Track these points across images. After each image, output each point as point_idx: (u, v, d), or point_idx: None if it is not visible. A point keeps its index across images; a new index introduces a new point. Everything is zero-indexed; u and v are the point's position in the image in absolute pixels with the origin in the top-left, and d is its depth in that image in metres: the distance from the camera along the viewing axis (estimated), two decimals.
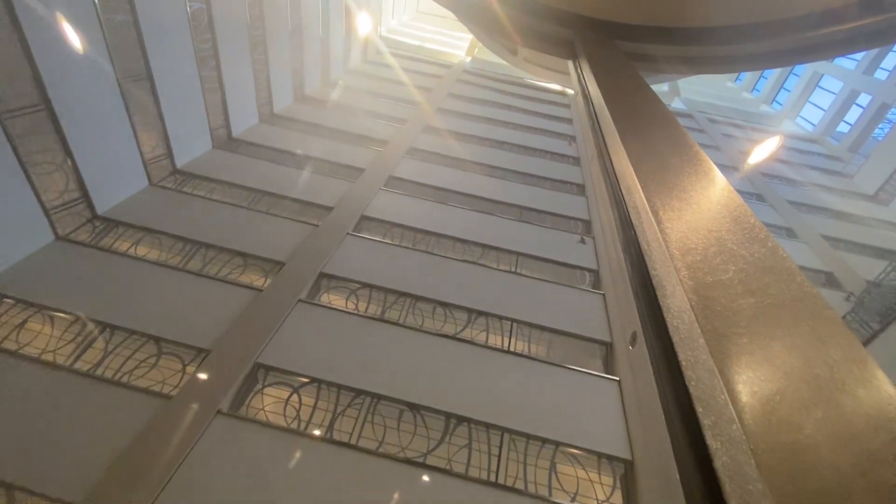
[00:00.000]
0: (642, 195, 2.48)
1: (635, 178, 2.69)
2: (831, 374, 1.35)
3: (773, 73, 27.85)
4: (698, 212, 2.31)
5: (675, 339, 1.70)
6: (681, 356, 1.61)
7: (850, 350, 1.45)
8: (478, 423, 6.08)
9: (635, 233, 2.52)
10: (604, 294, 8.80)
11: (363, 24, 20.09)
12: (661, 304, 1.91)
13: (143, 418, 5.41)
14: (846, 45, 7.09)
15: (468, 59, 24.66)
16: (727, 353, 1.44)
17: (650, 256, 2.17)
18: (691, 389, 1.47)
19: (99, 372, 5.98)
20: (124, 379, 5.92)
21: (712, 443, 1.27)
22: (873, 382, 1.34)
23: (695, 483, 1.36)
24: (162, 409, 5.49)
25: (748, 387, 1.32)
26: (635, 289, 2.41)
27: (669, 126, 3.63)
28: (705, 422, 1.34)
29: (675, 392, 1.64)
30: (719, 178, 2.74)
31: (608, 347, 7.72)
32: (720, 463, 1.21)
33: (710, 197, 2.48)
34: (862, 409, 1.26)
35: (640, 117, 3.88)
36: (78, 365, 6.00)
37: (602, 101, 4.26)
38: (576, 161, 15.00)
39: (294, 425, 5.83)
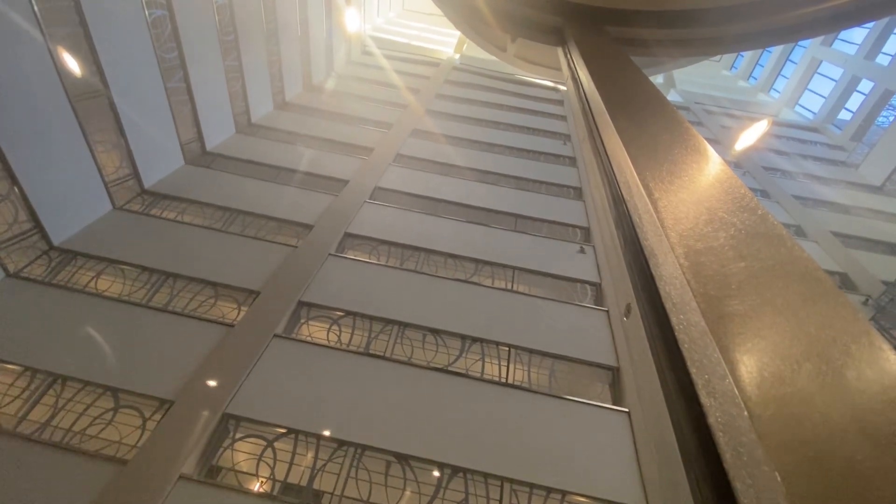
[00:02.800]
0: (633, 170, 2.50)
1: (626, 154, 2.69)
2: (822, 331, 1.36)
3: (770, 61, 27.19)
4: (689, 184, 2.34)
5: (667, 305, 1.73)
6: (673, 321, 1.63)
7: (841, 308, 1.45)
8: (474, 472, 5.46)
9: (627, 207, 2.54)
10: (608, 311, 8.17)
11: (347, 24, 19.30)
12: (653, 272, 1.93)
13: (96, 489, 4.76)
14: (835, 21, 7.04)
15: (457, 56, 23.89)
16: (719, 314, 1.45)
17: (641, 228, 2.19)
18: (685, 352, 1.50)
19: (48, 432, 5.31)
20: (75, 440, 5.25)
21: (706, 400, 1.28)
22: (864, 338, 1.33)
23: (691, 442, 1.36)
24: (116, 477, 4.83)
25: (741, 345, 1.33)
26: (628, 261, 2.43)
27: (659, 104, 3.68)
28: (699, 381, 1.36)
29: (669, 358, 1.65)
30: (709, 151, 2.75)
31: (615, 372, 7.11)
32: (713, 419, 1.22)
33: (701, 170, 2.52)
34: (853, 362, 1.26)
35: (629, 97, 3.93)
36: (23, 426, 5.34)
37: (591, 83, 4.25)
38: (572, 161, 14.34)
39: (268, 487, 5.19)
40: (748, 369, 1.25)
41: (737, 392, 1.18)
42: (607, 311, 8.16)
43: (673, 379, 1.59)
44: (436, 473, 5.44)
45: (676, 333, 1.58)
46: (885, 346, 1.30)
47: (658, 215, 2.04)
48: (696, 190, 2.28)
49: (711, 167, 2.55)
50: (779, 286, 1.56)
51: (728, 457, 1.12)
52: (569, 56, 6.21)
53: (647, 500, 5.39)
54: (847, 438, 1.05)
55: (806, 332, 1.36)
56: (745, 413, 1.12)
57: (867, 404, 1.14)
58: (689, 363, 1.45)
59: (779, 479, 0.97)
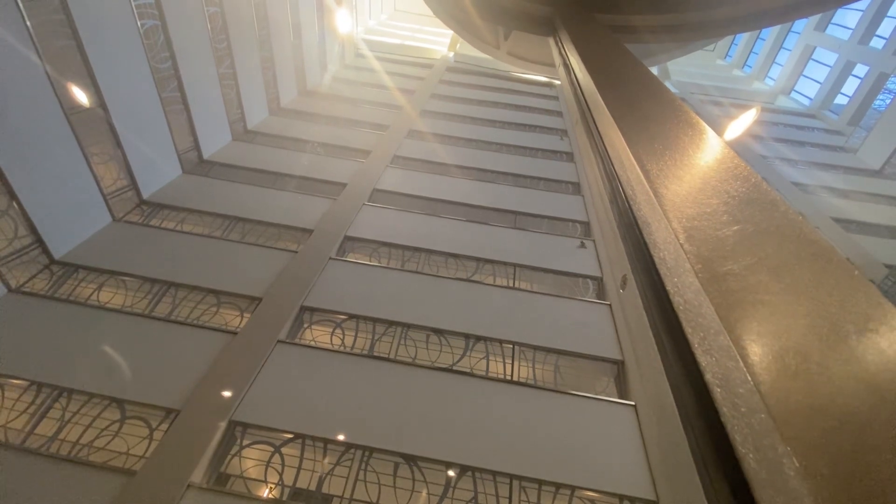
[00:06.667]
0: (626, 146, 2.54)
1: (619, 132, 2.74)
2: (817, 288, 1.37)
3: (764, 49, 27.14)
4: (681, 156, 2.38)
5: (661, 270, 1.76)
6: (668, 285, 1.66)
7: (835, 266, 1.47)
8: (482, 471, 5.45)
9: (620, 182, 2.56)
10: (610, 304, 8.17)
11: (339, 27, 19.30)
12: (647, 240, 1.97)
13: (105, 501, 4.76)
14: (826, 1, 7.23)
15: (451, 54, 23.89)
16: (713, 274, 1.46)
17: (635, 199, 2.23)
18: (680, 314, 1.50)
19: (55, 446, 5.32)
20: (83, 453, 5.26)
21: (703, 359, 1.30)
22: (860, 292, 1.34)
23: (689, 402, 1.36)
24: (125, 488, 4.84)
25: (736, 303, 1.34)
26: (623, 234, 2.43)
27: (650, 84, 3.72)
28: (694, 340, 1.36)
29: (665, 322, 1.65)
30: (701, 125, 2.77)
31: (620, 366, 7.10)
32: (710, 375, 1.23)
33: (693, 142, 2.55)
34: (849, 315, 1.27)
35: (620, 78, 3.97)
36: (31, 440, 5.34)
37: (582, 67, 4.32)
38: (569, 157, 14.33)
39: (277, 492, 5.19)
40: (744, 325, 1.26)
41: (733, 346, 1.19)
42: (609, 305, 8.15)
43: (670, 342, 1.60)
44: (444, 473, 5.44)
45: (672, 296, 1.60)
46: (881, 300, 1.31)
47: (651, 185, 2.08)
48: (688, 161, 2.34)
49: (704, 140, 2.60)
50: (773, 247, 1.58)
51: (725, 410, 1.14)
52: (560, 44, 6.23)
53: (657, 495, 5.37)
54: (844, 386, 1.07)
55: (801, 289, 1.38)
56: (742, 366, 1.13)
57: (863, 355, 1.15)
58: (684, 323, 1.46)
59: (776, 425, 0.97)
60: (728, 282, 1.42)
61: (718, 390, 1.18)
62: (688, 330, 1.42)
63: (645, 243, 1.97)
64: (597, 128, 3.41)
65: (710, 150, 2.42)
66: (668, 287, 1.63)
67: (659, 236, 1.83)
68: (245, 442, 5.55)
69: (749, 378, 1.09)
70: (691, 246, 1.60)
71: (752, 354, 1.15)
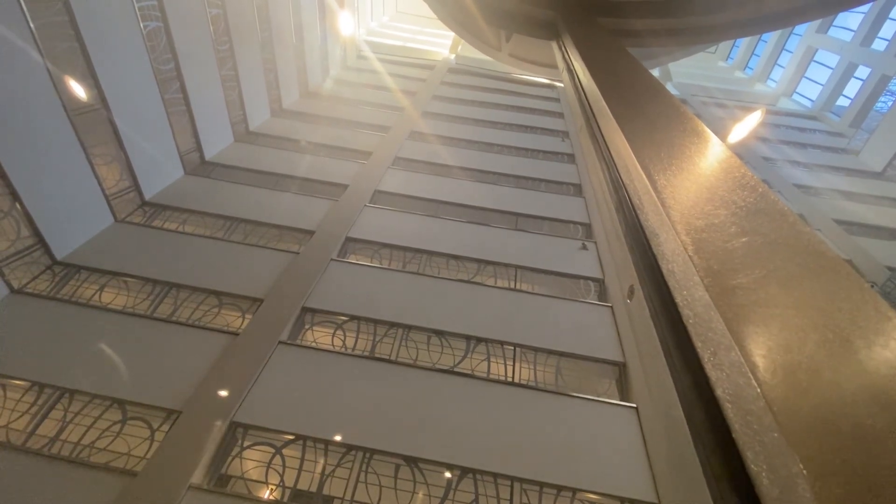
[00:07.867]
0: (631, 154, 2.51)
1: (624, 139, 2.71)
2: (827, 301, 1.36)
3: (766, 50, 27.11)
4: (688, 165, 2.36)
5: (670, 282, 1.73)
6: (677, 298, 1.63)
7: (845, 279, 1.45)
8: (483, 473, 5.44)
9: (627, 191, 2.55)
10: (611, 306, 8.15)
11: (341, 28, 19.33)
12: (655, 252, 1.95)
13: (106, 502, 4.76)
14: (827, 6, 7.12)
15: (452, 56, 23.90)
16: (723, 288, 1.45)
17: (642, 209, 2.21)
18: (689, 327, 1.48)
19: (57, 447, 5.32)
20: (84, 454, 5.26)
21: (713, 373, 1.29)
22: (870, 306, 1.33)
23: (699, 416, 1.35)
24: (126, 489, 4.84)
25: (746, 317, 1.33)
26: (629, 243, 2.43)
27: (655, 90, 3.69)
28: (704, 355, 1.36)
29: (674, 334, 1.63)
30: (707, 133, 2.75)
31: (621, 368, 7.09)
32: (721, 391, 1.22)
33: (699, 151, 2.54)
34: (860, 330, 1.25)
35: (624, 84, 3.96)
36: (33, 441, 5.35)
37: (587, 72, 4.30)
38: (571, 158, 14.32)
39: (278, 494, 5.19)
40: (755, 340, 1.25)
41: (744, 362, 1.18)
42: (611, 307, 8.14)
43: (679, 355, 1.59)
44: (445, 475, 5.43)
45: (681, 309, 1.59)
46: (892, 314, 1.30)
47: (658, 196, 2.07)
48: (695, 170, 2.32)
49: (710, 148, 2.59)
50: (782, 259, 1.56)
51: (737, 426, 1.13)
52: (563, 49, 6.22)
53: (658, 497, 5.36)
54: (857, 403, 1.05)
55: (811, 303, 1.36)
56: (753, 382, 1.12)
57: (876, 370, 1.14)
58: (694, 338, 1.45)
59: (789, 444, 0.97)
60: (738, 295, 1.41)
61: (729, 406, 1.17)
62: (697, 344, 1.41)
63: (653, 254, 1.96)
64: (601, 134, 3.40)
65: (716, 159, 2.40)
66: (678, 300, 1.62)
67: (667, 248, 1.82)
68: (246, 443, 5.55)
69: (761, 395, 1.08)
70: (700, 259, 1.59)
71: (763, 370, 1.14)
